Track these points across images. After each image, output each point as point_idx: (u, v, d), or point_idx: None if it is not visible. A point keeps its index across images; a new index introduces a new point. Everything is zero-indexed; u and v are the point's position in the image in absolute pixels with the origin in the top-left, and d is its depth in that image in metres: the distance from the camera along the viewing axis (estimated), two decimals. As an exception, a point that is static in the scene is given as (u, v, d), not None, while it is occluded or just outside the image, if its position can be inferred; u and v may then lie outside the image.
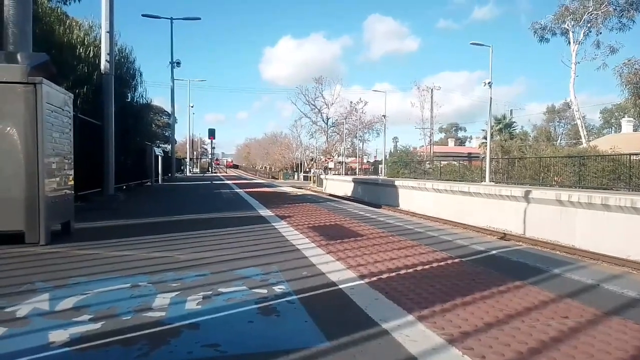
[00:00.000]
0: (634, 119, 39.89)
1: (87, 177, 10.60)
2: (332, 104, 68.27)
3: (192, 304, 3.15)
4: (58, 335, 2.52)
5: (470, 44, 28.59)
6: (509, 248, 5.54)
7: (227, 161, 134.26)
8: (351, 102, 67.06)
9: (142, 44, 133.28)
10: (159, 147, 26.88)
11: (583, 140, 35.00)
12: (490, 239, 7.73)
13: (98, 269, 4.18)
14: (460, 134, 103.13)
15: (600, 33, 33.65)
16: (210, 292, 3.40)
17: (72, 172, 6.37)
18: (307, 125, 71.62)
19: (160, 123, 41.98)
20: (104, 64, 10.85)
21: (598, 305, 3.14)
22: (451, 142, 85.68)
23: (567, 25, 34.31)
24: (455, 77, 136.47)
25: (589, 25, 33.67)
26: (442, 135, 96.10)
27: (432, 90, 54.04)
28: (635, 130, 43.71)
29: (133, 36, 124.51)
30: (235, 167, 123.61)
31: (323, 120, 69.74)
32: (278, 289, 3.50)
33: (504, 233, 16.06)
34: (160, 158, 23.32)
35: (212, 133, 49.08)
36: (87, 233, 6.34)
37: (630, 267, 10.66)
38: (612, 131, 63.68)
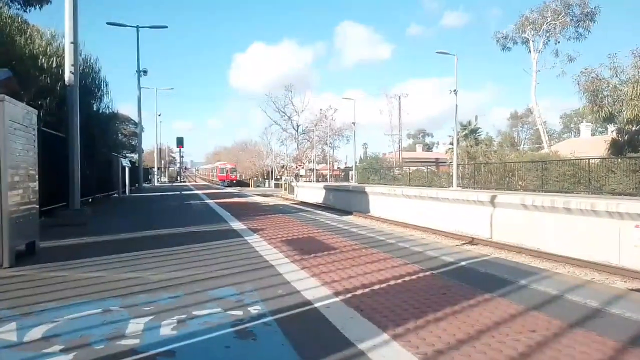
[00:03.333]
0: (592, 123, 41.63)
1: (51, 191, 10.27)
2: (302, 111, 68.42)
3: (167, 329, 3.11)
4: (28, 370, 2.46)
5: (436, 52, 29.27)
6: (477, 259, 5.69)
7: (222, 169, 71.22)
8: (321, 109, 67.40)
9: (107, 53, 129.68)
10: (125, 157, 26.30)
11: (545, 145, 36.29)
12: (459, 249, 7.91)
13: (67, 292, 4.07)
14: (428, 140, 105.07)
15: (559, 42, 35.17)
16: (185, 316, 3.37)
17: (36, 188, 6.18)
18: (278, 133, 71.50)
19: (126, 132, 41.13)
20: (68, 76, 10.57)
21: (563, 318, 3.28)
22: (419, 148, 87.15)
23: (528, 34, 35.60)
24: (425, 83, 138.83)
25: (547, 34, 35.09)
26: (411, 141, 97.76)
27: (399, 97, 54.93)
28: (593, 134, 45.62)
29: (98, 45, 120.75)
30: (240, 184, 66.80)
31: (293, 128, 69.80)
32: (253, 310, 3.50)
33: (472, 237, 16.44)
34: (127, 169, 22.82)
35: (180, 142, 48.44)
36: (54, 253, 6.15)
37: (592, 268, 11.10)
38: (572, 135, 66.22)
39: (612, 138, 28.21)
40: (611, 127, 30.44)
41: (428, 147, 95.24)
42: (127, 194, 22.55)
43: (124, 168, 21.89)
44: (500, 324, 3.17)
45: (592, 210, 13.30)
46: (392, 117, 56.12)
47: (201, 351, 2.77)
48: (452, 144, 35.90)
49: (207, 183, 62.55)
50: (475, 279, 4.51)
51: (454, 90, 28.28)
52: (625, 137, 25.65)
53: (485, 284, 4.26)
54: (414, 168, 39.26)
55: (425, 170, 37.32)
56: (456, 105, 28.68)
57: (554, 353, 2.65)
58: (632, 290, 7.70)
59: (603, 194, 18.46)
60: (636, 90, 23.16)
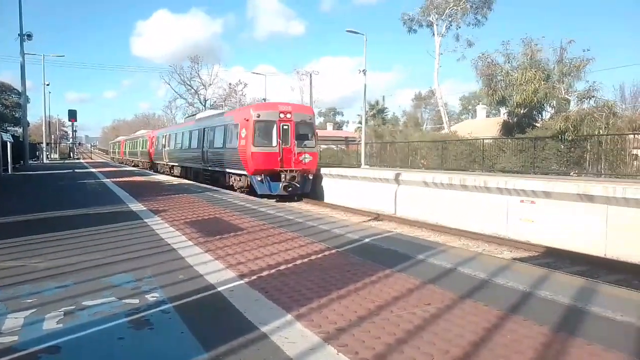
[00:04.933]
0: (487, 106, 44.99)
1: None
2: (210, 84, 66.04)
3: (52, 322, 2.84)
4: None
5: (346, 31, 29.57)
6: (381, 235, 5.91)
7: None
8: (230, 84, 65.53)
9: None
10: (7, 131, 23.66)
11: (445, 125, 38.55)
12: (364, 226, 8.18)
13: None
14: (339, 118, 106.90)
15: (460, 27, 37.18)
16: (74, 307, 3.10)
17: None
18: (183, 107, 68.44)
19: (9, 103, 36.92)
20: None
21: (455, 290, 3.50)
22: (330, 126, 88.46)
23: (432, 18, 37.21)
24: (337, 61, 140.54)
25: (450, 19, 36.94)
26: (322, 119, 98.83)
27: (310, 75, 55.02)
28: (488, 116, 49.34)
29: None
30: None
31: (200, 102, 67.20)
32: (151, 297, 3.31)
33: (378, 214, 17.12)
34: (9, 144, 20.54)
35: (73, 115, 44.18)
36: None
37: (484, 240, 12.10)
38: (470, 117, 71.27)
39: (503, 120, 30.70)
40: (503, 110, 33.02)
41: (339, 126, 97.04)
42: (9, 173, 20.36)
43: (4, 143, 19.69)
44: (399, 298, 3.31)
45: (485, 187, 14.43)
46: (304, 94, 56.22)
47: (90, 344, 2.56)
48: (361, 123, 36.90)
49: (102, 161, 53.06)
50: (377, 255, 4.67)
51: (363, 70, 28.90)
52: (515, 120, 28.03)
53: (387, 260, 4.43)
54: (325, 146, 39.86)
55: (336, 148, 38.10)
56: (365, 85, 29.41)
57: (447, 324, 2.82)
58: (515, 259, 8.50)
59: (494, 172, 20.14)
60: (524, 76, 25.31)
